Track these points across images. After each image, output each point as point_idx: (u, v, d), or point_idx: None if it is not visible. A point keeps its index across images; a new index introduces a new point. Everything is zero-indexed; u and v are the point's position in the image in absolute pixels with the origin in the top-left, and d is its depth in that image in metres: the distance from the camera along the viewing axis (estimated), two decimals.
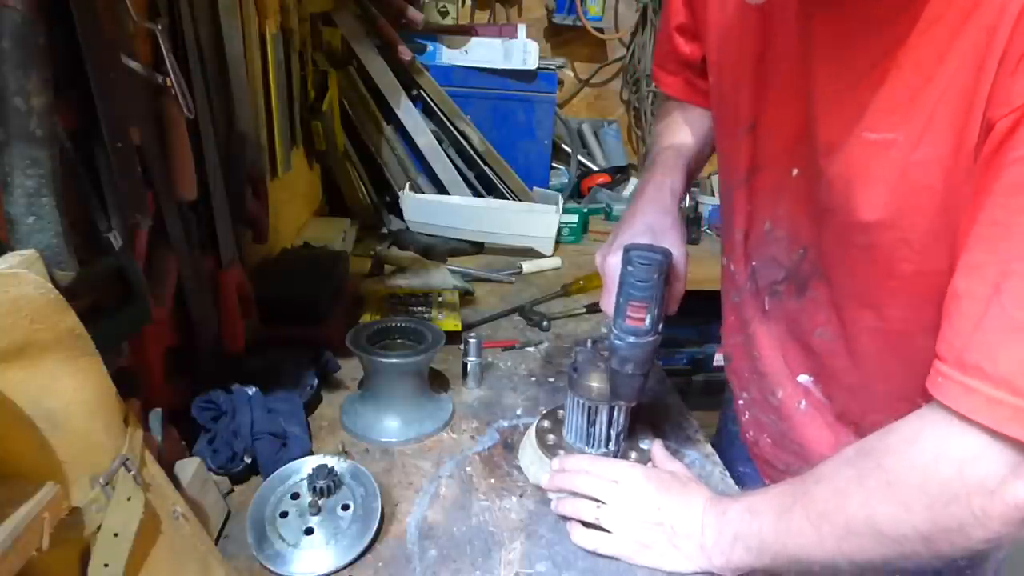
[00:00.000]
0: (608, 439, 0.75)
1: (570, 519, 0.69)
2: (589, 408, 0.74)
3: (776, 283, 0.74)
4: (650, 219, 0.75)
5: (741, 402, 0.88)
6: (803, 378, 0.75)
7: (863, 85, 0.55)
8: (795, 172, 0.67)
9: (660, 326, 0.69)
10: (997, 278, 0.45)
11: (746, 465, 0.91)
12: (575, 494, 0.69)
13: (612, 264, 0.70)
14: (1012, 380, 0.44)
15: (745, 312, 0.81)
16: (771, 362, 0.78)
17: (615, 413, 0.74)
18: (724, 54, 0.74)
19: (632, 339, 0.67)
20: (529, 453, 0.78)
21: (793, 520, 0.55)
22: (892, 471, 0.50)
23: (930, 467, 0.48)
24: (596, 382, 0.73)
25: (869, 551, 0.52)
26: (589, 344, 0.78)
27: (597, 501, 0.67)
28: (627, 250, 0.67)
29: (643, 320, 0.67)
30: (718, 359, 1.84)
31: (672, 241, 0.72)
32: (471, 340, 0.94)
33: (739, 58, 0.71)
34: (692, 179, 0.89)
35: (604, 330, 1.16)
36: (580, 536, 0.66)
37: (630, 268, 0.66)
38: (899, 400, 0.60)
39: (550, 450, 0.76)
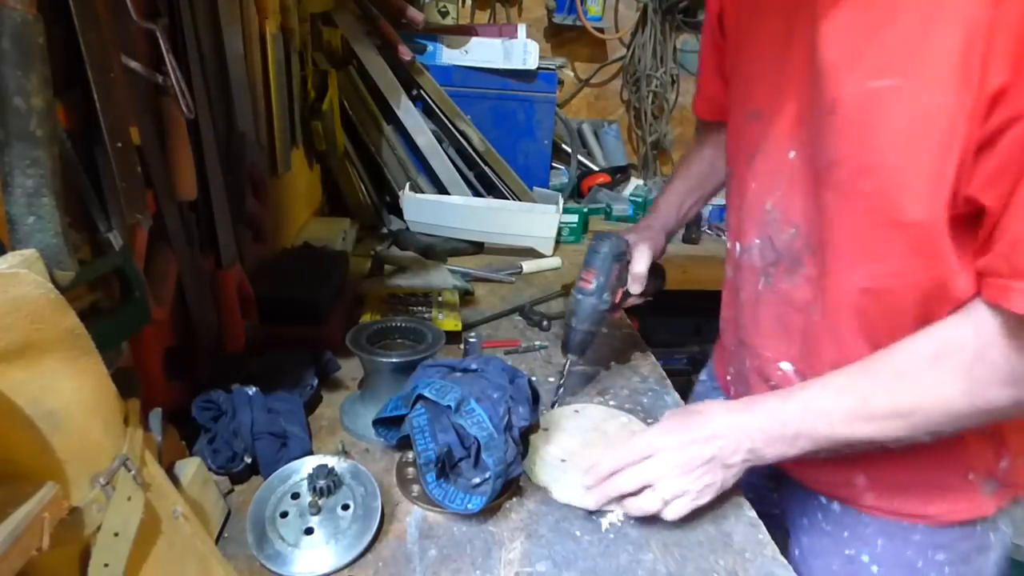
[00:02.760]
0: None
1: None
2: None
3: (770, 265, 0.76)
4: (635, 227, 0.97)
5: (729, 378, 0.91)
6: (785, 365, 0.77)
7: (867, 40, 0.59)
8: (792, 154, 0.70)
9: (608, 296, 0.86)
10: None
11: None
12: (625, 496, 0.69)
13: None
14: None
15: (741, 290, 0.83)
16: (761, 345, 0.81)
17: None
18: (743, 49, 0.80)
19: (580, 296, 0.86)
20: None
21: (871, 409, 0.63)
22: (961, 364, 0.59)
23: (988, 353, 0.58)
24: None
25: (933, 423, 0.62)
26: None
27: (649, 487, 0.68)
28: (594, 236, 0.87)
29: (590, 283, 0.85)
30: None
31: (636, 239, 0.91)
32: (471, 340, 0.95)
33: (756, 49, 0.76)
34: (702, 201, 1.07)
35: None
36: (669, 513, 0.68)
37: (590, 244, 0.87)
38: None
39: (406, 485, 0.73)
